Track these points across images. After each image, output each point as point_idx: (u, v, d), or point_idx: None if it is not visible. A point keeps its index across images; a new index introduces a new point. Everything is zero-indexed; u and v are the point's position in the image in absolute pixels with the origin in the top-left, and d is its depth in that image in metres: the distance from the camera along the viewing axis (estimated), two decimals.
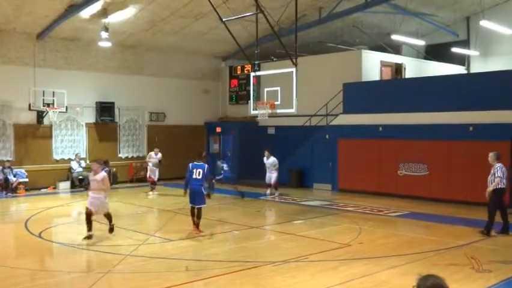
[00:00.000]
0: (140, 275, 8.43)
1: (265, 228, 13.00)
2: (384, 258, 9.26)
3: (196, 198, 11.43)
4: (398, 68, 22.00)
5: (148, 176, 18.87)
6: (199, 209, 11.48)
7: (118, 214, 14.88)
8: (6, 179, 18.26)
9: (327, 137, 19.30)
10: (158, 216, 14.73)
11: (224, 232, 12.19)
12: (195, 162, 11.57)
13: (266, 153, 17.84)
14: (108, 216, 11.32)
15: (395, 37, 22.20)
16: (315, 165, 19.61)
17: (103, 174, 11.15)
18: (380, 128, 17.60)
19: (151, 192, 18.40)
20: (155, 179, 18.70)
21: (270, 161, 17.71)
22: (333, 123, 19.26)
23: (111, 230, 11.28)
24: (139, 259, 9.39)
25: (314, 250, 9.95)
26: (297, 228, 12.45)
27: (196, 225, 11.51)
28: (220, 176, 18.38)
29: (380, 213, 14.40)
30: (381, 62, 21.18)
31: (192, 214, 11.59)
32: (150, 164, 18.66)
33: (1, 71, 18.56)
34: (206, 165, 11.55)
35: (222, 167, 18.67)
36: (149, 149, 20.93)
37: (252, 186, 19.35)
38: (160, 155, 18.77)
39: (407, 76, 21.74)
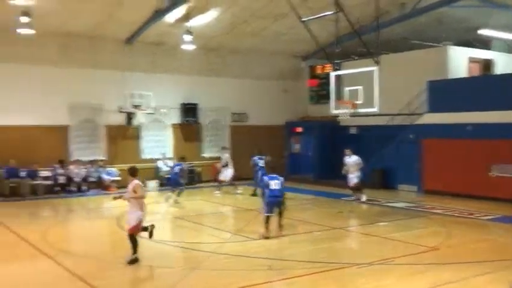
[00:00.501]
0: (224, 273, 8.64)
1: (348, 230, 12.85)
2: (474, 264, 8.85)
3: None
4: (487, 64, 20.91)
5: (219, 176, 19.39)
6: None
7: (202, 212, 15.40)
8: (100, 177, 19.37)
9: (410, 136, 18.74)
10: (242, 215, 14.97)
11: (306, 232, 12.18)
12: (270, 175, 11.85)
13: (348, 151, 16.68)
14: (133, 240, 9.25)
15: (483, 32, 21.10)
16: (399, 165, 19.08)
17: (134, 182, 9.41)
18: (469, 127, 16.81)
19: (217, 191, 18.86)
20: (225, 179, 19.05)
21: (352, 159, 16.46)
22: (418, 122, 18.66)
23: (132, 261, 9.08)
24: (222, 257, 9.63)
25: (400, 253, 9.71)
26: (381, 230, 12.20)
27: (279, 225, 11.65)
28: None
29: (470, 216, 13.76)
30: (469, 58, 20.24)
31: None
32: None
33: (93, 76, 19.71)
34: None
35: (257, 163, 18.14)
36: (233, 149, 21.40)
37: (333, 187, 19.18)
38: (226, 155, 19.27)
39: (497, 72, 20.63)
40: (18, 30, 16.60)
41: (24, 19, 16.05)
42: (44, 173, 18.54)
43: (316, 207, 15.88)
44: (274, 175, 11.55)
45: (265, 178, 11.62)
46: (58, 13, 17.27)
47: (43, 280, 8.30)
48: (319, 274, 8.42)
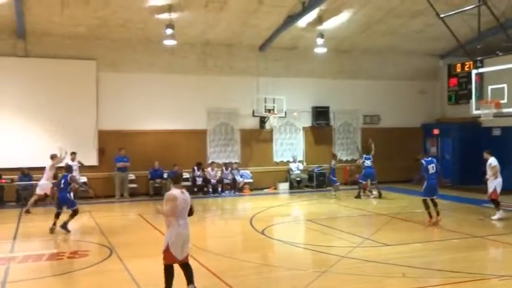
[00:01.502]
0: (355, 277, 8.50)
1: (489, 238, 11.90)
2: None
3: (435, 191, 12.95)
4: None
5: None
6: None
7: (333, 216, 15.32)
8: (234, 179, 20.18)
9: None
10: (374, 220, 14.62)
11: (442, 240, 11.54)
12: (425, 158, 13.17)
13: (486, 153, 14.38)
14: (166, 273, 7.32)
15: None
16: None
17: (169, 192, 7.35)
18: None
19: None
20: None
21: (488, 162, 14.19)
22: None
23: None
24: (354, 261, 9.48)
25: None
26: None
27: (437, 213, 12.76)
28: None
29: None
30: None
31: (426, 207, 12.83)
32: None
33: (230, 82, 20.62)
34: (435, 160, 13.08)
35: (363, 162, 18.32)
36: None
37: (474, 192, 17.95)
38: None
39: None
40: (164, 42, 17.95)
41: (168, 31, 17.30)
42: (184, 174, 19.78)
43: (454, 214, 14.95)
44: (430, 158, 13.10)
45: (423, 162, 12.85)
46: (198, 24, 18.38)
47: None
48: (458, 285, 7.93)
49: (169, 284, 7.23)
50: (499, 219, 13.49)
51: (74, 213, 12.71)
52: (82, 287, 8.57)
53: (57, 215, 12.64)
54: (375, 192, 18.36)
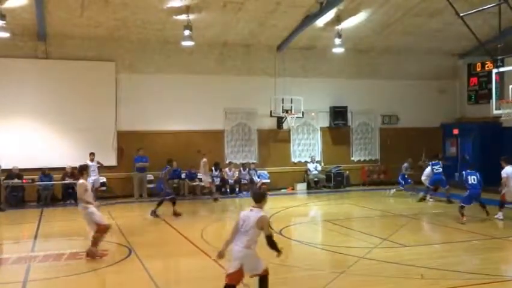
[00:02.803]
0: (373, 278, 8.45)
1: (510, 240, 11.74)
2: None
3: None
4: None
5: None
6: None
7: (351, 216, 15.26)
8: (251, 180, 20.20)
9: None
10: (392, 221, 14.50)
11: (462, 241, 11.41)
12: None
13: (502, 162, 13.88)
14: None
15: None
16: None
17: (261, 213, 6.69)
18: None
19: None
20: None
21: (505, 171, 13.74)
22: None
23: None
24: (372, 262, 9.43)
25: None
26: None
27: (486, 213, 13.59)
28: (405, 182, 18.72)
29: None
30: None
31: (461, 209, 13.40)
32: None
33: (248, 82, 20.66)
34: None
35: (405, 167, 18.55)
36: (382, 153, 20.89)
37: (495, 193, 17.67)
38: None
39: None
40: (182, 43, 18.05)
41: (186, 32, 17.39)
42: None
43: (474, 215, 14.76)
44: (472, 171, 13.72)
45: (464, 173, 13.82)
46: (216, 25, 18.45)
47: (203, 275, 8.85)
48: (476, 286, 7.84)
49: None
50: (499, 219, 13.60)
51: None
52: (101, 286, 8.67)
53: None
54: (431, 199, 17.45)
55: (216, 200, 18.24)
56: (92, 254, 9.83)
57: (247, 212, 6.71)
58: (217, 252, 6.79)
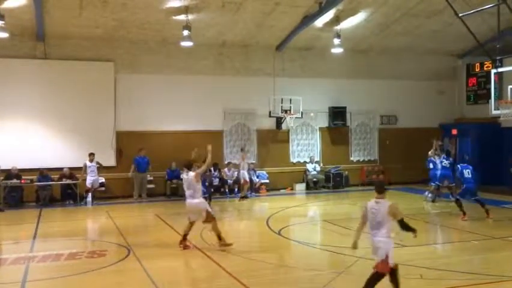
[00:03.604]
0: None
1: (509, 240, 11.74)
2: None
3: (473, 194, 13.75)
4: None
5: None
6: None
7: (350, 216, 15.24)
8: (251, 180, 20.16)
9: None
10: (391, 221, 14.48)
11: (461, 241, 11.42)
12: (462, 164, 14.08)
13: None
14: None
15: None
16: None
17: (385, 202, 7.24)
18: None
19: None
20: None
21: None
22: None
23: None
24: (371, 262, 9.30)
25: None
26: None
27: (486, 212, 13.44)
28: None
29: None
30: None
31: (459, 205, 13.53)
32: None
33: (246, 82, 20.64)
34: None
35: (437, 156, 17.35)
36: (381, 153, 20.86)
37: (494, 193, 17.71)
38: None
39: None
40: (181, 43, 18.02)
41: (185, 32, 17.36)
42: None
43: (473, 215, 14.77)
44: (466, 164, 13.87)
45: (459, 167, 13.79)
46: (214, 25, 18.44)
47: (200, 275, 8.86)
48: (475, 286, 7.85)
49: None
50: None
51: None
52: (100, 286, 8.64)
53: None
54: (430, 195, 17.39)
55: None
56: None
57: (374, 204, 7.12)
58: (351, 243, 7.46)
